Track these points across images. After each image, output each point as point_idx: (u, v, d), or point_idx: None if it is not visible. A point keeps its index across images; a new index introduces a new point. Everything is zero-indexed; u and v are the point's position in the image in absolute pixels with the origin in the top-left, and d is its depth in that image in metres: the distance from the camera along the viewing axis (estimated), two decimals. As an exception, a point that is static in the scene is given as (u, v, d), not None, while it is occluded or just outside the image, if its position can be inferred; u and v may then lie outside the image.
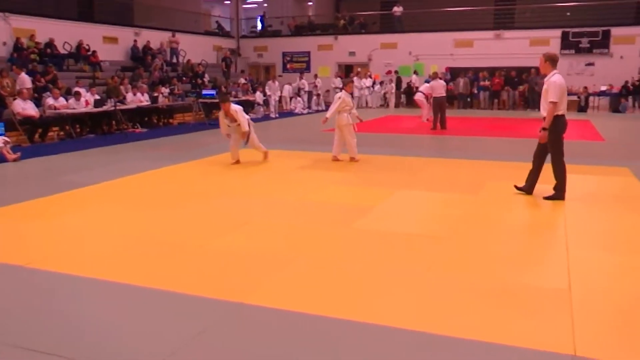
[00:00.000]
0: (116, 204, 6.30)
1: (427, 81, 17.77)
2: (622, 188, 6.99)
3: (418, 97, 16.03)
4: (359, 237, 5.01)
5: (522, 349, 2.95)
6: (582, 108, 19.96)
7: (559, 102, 6.04)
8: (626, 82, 19.96)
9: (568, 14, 22.82)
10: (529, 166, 6.53)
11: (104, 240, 4.93)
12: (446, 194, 6.71)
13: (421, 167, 8.52)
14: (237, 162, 8.86)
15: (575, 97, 20.37)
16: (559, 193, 6.32)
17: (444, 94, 14.04)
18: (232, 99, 17.64)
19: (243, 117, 8.65)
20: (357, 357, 2.90)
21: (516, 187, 6.65)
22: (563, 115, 6.15)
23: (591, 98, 20.52)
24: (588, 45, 21.10)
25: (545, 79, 6.22)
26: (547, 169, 6.40)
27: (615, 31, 20.78)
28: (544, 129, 6.13)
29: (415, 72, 22.43)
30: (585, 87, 20.32)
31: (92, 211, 5.98)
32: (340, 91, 9.18)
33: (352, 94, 9.26)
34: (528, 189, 6.53)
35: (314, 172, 8.13)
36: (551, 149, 6.27)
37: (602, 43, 20.96)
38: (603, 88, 20.63)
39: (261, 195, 6.74)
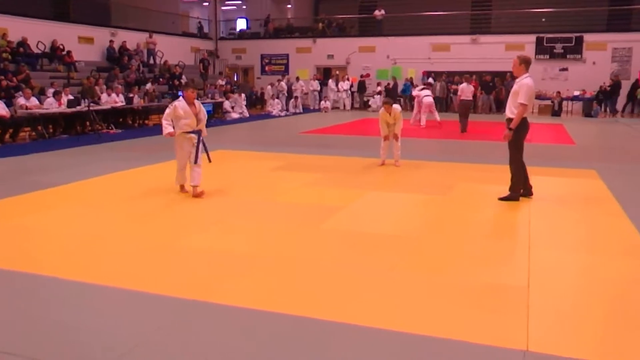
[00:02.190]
0: (85, 204, 6.24)
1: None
2: (588, 190, 7.14)
3: (429, 100, 15.56)
4: (325, 237, 5.04)
5: (475, 344, 3.00)
6: (556, 112, 20.27)
7: (528, 105, 6.13)
8: (600, 87, 20.32)
9: (543, 19, 23.22)
10: (499, 168, 6.62)
11: (67, 239, 4.89)
12: (416, 195, 6.78)
13: (396, 169, 8.59)
14: (183, 188, 6.78)
15: (549, 102, 20.72)
16: (513, 194, 6.42)
17: (470, 98, 14.49)
18: (208, 100, 17.66)
19: (205, 115, 6.64)
20: (317, 354, 2.93)
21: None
22: (526, 118, 6.27)
23: (564, 102, 20.86)
24: (562, 51, 21.48)
25: (517, 81, 6.28)
26: (505, 170, 6.45)
27: (588, 37, 21.19)
28: (510, 129, 6.23)
29: (427, 75, 22.18)
30: (559, 92, 20.66)
31: (59, 211, 5.92)
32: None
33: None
34: (526, 192, 6.53)
35: (287, 174, 8.15)
36: (510, 149, 6.37)
37: (575, 49, 21.36)
38: (576, 93, 21.01)
39: (233, 195, 6.74)
